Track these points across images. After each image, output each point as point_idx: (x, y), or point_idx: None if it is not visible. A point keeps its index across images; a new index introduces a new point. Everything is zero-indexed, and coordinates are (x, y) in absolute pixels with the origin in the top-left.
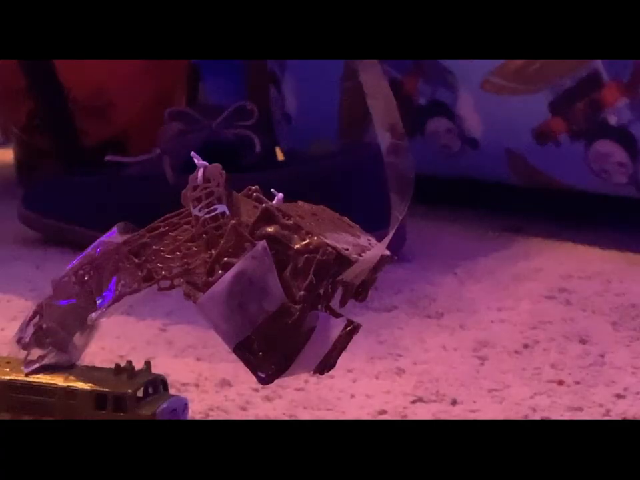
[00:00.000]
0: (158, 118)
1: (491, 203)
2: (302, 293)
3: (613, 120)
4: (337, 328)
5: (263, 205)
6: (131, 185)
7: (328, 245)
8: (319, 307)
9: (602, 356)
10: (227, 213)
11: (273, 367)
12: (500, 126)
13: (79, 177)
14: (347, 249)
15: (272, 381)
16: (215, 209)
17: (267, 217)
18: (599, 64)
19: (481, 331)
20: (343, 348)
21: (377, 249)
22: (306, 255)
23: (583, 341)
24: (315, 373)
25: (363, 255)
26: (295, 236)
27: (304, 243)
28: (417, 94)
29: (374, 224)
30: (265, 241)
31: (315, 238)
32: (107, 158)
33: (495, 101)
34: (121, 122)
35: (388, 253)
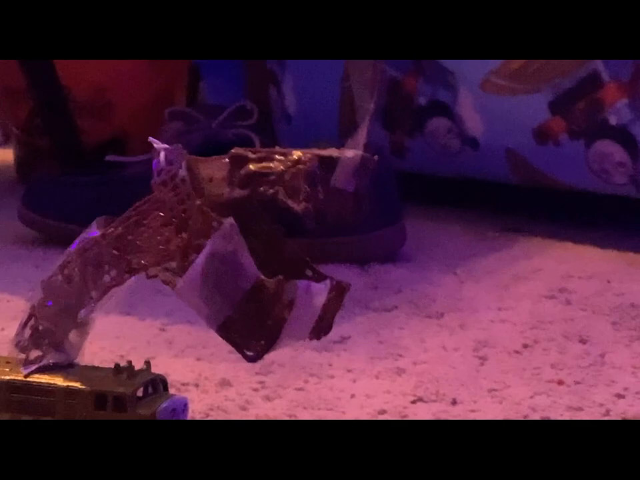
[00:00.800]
0: (158, 118)
1: (490, 203)
2: (303, 205)
3: (613, 120)
4: (321, 293)
5: (230, 151)
6: (130, 185)
7: (307, 153)
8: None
9: (602, 356)
10: (187, 177)
11: (261, 342)
12: (500, 126)
13: (79, 177)
14: (327, 153)
15: (261, 357)
16: (180, 191)
17: (239, 160)
18: (599, 64)
19: (481, 331)
20: (336, 310)
21: (355, 142)
22: (291, 170)
23: (582, 341)
24: (311, 339)
25: (342, 154)
26: (273, 162)
27: (283, 160)
28: (416, 94)
29: (374, 223)
30: (231, 218)
31: (292, 153)
32: (107, 158)
33: (495, 100)
34: (121, 122)
35: (363, 154)
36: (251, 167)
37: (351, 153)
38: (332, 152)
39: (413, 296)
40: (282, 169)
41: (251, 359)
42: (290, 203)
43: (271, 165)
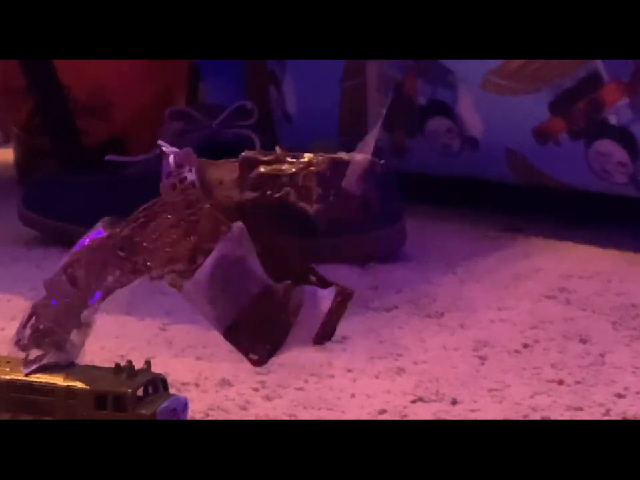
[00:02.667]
0: (158, 118)
1: (490, 203)
2: (315, 206)
3: (613, 119)
4: (326, 299)
5: (240, 155)
6: (130, 185)
7: (318, 156)
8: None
9: (602, 355)
10: (196, 182)
11: (267, 346)
12: (500, 126)
13: (79, 176)
14: (337, 155)
15: (266, 362)
16: (188, 188)
17: (249, 163)
18: (599, 64)
19: (481, 331)
20: (340, 316)
21: (365, 146)
22: (302, 173)
23: (583, 341)
24: (314, 343)
25: (351, 157)
26: (284, 165)
27: (295, 163)
28: (416, 94)
29: (374, 222)
30: (241, 222)
31: (303, 156)
32: (107, 158)
33: (495, 100)
34: (121, 122)
35: (372, 158)
36: (262, 169)
37: (360, 156)
38: (342, 155)
39: (412, 296)
40: (293, 171)
41: (256, 363)
42: (302, 204)
43: (282, 167)
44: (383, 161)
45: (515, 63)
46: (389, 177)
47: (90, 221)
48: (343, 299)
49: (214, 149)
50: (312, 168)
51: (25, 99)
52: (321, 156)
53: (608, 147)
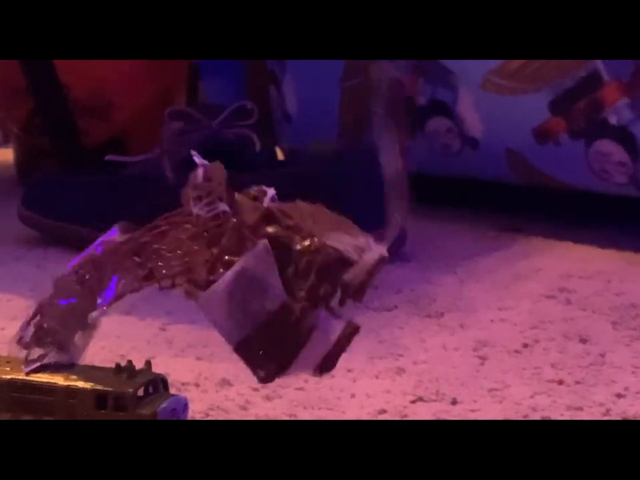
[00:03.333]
0: (158, 118)
1: (490, 203)
2: (303, 293)
3: (613, 119)
4: (336, 328)
5: (265, 205)
6: (130, 185)
7: (329, 246)
8: (320, 306)
9: (602, 355)
10: (228, 211)
11: (273, 365)
12: (500, 125)
13: (79, 176)
14: (348, 250)
15: (272, 380)
16: (217, 207)
17: (269, 217)
18: (599, 64)
19: (481, 331)
20: (343, 349)
21: (377, 249)
22: (307, 257)
23: (583, 341)
24: (314, 374)
25: (362, 255)
26: (296, 237)
27: (305, 244)
28: (416, 94)
29: (373, 223)
30: (266, 240)
31: (316, 239)
32: (107, 158)
33: (495, 100)
34: (121, 122)
35: (386, 254)
36: (275, 231)
37: (371, 254)
38: (354, 244)
39: (412, 296)
40: (300, 249)
41: (262, 380)
42: (292, 284)
43: (295, 238)
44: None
45: (515, 63)
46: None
47: (90, 221)
48: (351, 332)
49: (214, 148)
50: (318, 257)
51: (25, 98)
52: (332, 248)
53: (608, 146)
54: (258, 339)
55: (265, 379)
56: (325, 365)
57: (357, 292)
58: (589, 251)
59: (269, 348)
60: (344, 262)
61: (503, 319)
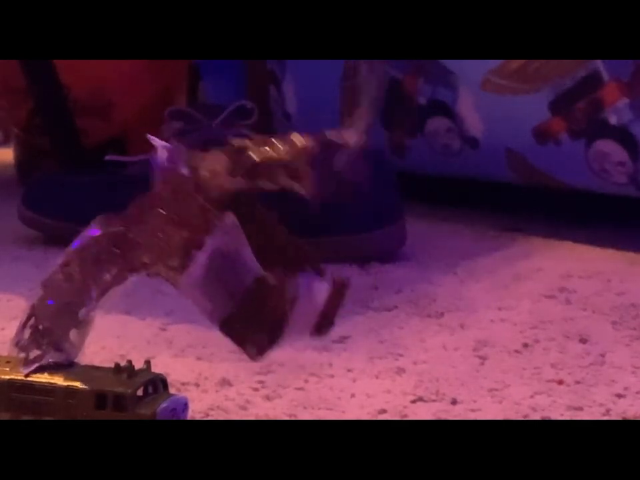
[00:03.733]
0: (158, 117)
1: (490, 203)
2: (308, 187)
3: (613, 119)
4: (323, 290)
5: (230, 143)
6: (130, 185)
7: (307, 137)
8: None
9: (602, 355)
10: (192, 190)
11: (263, 339)
12: (500, 125)
13: (79, 176)
14: (328, 135)
15: (263, 354)
16: (180, 188)
17: (239, 150)
18: (599, 64)
19: (481, 331)
20: (337, 306)
21: (356, 122)
22: (293, 155)
23: (583, 341)
24: (312, 335)
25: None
26: (274, 149)
27: (284, 147)
28: (416, 94)
29: (373, 222)
30: (232, 214)
31: (293, 138)
32: (107, 158)
33: (495, 100)
34: (121, 122)
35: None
36: (253, 156)
37: (350, 135)
38: (332, 135)
39: (412, 296)
40: (284, 155)
41: (254, 356)
42: (295, 187)
43: (273, 152)
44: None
45: (515, 63)
46: (388, 176)
47: (90, 221)
48: (340, 289)
49: (214, 148)
50: (302, 150)
51: (25, 98)
52: (310, 137)
53: (608, 146)
54: (241, 315)
55: (257, 355)
56: (322, 324)
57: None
58: (589, 251)
59: (254, 323)
60: (328, 145)
61: (503, 318)
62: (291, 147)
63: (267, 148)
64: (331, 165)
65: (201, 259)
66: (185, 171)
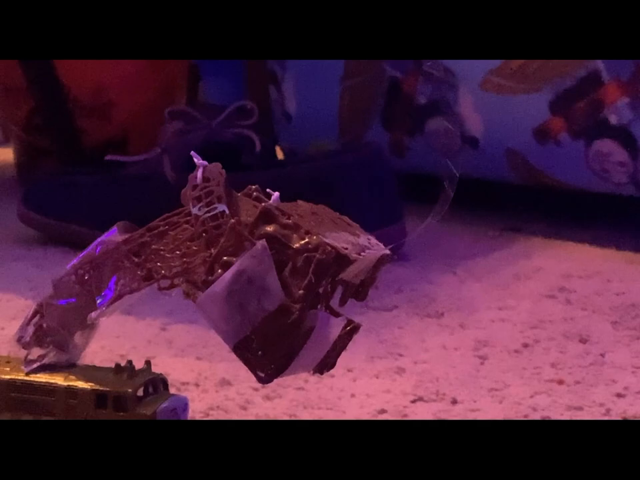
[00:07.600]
0: (158, 117)
1: (490, 203)
2: (301, 292)
3: (613, 119)
4: (336, 327)
5: (262, 204)
6: (130, 185)
7: (327, 244)
8: (319, 306)
9: (602, 355)
10: (227, 212)
11: (272, 366)
12: (500, 125)
13: (79, 176)
14: (346, 248)
15: (271, 380)
16: (215, 208)
17: (266, 216)
18: (599, 64)
19: (481, 330)
20: (343, 348)
21: (378, 248)
22: (305, 254)
23: (583, 340)
24: (314, 372)
25: (362, 254)
26: (294, 235)
27: (303, 242)
28: (416, 94)
29: (374, 223)
30: (264, 240)
31: (314, 237)
32: (107, 158)
33: (494, 100)
34: (121, 121)
35: (388, 252)
36: (272, 229)
37: (371, 253)
38: (355, 243)
39: (412, 296)
40: (297, 247)
41: (262, 381)
42: (290, 283)
43: (293, 236)
44: (395, 257)
45: (515, 63)
46: (388, 177)
47: (90, 221)
48: (351, 331)
49: (214, 148)
50: (316, 254)
51: (25, 98)
52: (330, 245)
53: (608, 146)
54: (256, 339)
55: (265, 380)
56: (325, 364)
57: (359, 291)
58: (589, 251)
59: (268, 349)
60: (342, 260)
61: (502, 318)
62: (309, 243)
63: (289, 229)
64: (335, 277)
65: (226, 278)
66: (220, 191)
